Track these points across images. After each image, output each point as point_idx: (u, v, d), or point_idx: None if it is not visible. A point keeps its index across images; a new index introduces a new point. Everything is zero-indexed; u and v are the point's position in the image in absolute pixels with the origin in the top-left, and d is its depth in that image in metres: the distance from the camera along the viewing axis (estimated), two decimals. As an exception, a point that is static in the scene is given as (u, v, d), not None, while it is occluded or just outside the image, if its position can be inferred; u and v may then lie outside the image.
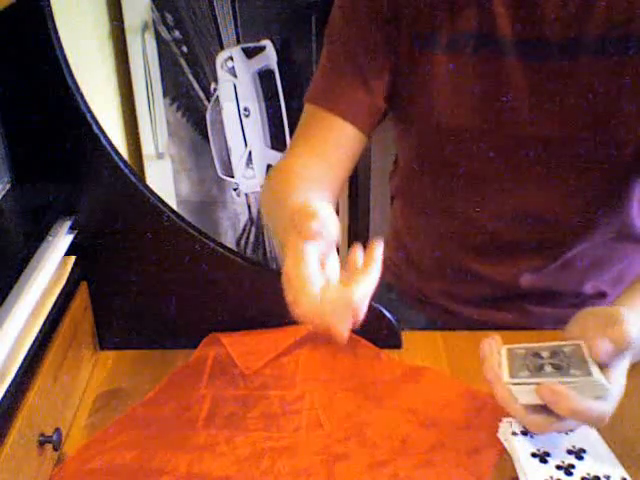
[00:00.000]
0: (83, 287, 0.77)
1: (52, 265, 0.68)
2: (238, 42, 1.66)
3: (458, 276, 0.93)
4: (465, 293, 0.94)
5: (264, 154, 1.76)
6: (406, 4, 0.80)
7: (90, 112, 0.70)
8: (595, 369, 0.60)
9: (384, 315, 0.78)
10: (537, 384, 0.60)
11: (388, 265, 1.01)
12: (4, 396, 0.56)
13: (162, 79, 1.69)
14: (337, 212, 0.66)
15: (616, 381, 0.61)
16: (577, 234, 0.87)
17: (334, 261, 0.60)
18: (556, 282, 0.91)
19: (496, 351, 0.66)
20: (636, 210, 0.87)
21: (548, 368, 0.62)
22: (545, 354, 0.64)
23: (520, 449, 0.63)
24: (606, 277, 0.92)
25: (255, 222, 1.86)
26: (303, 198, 0.74)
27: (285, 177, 0.84)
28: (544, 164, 0.82)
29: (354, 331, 0.59)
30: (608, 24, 0.75)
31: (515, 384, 0.61)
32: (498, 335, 0.68)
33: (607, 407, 0.59)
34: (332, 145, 0.86)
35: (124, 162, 0.73)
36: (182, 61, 1.67)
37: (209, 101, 1.71)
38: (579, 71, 0.77)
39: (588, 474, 0.61)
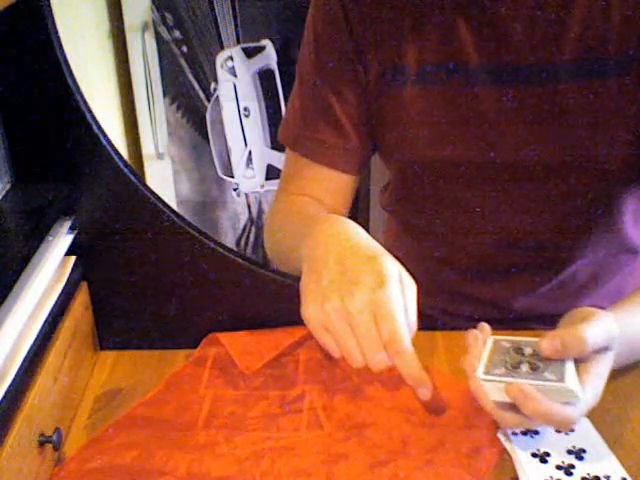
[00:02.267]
0: (83, 287, 0.77)
1: (52, 265, 0.68)
2: (238, 42, 1.66)
3: (450, 296, 0.92)
4: (457, 311, 0.92)
5: (264, 154, 1.76)
6: (369, 38, 0.79)
7: (90, 112, 0.70)
8: (570, 373, 0.59)
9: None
10: (508, 382, 0.60)
11: None
12: (4, 396, 0.56)
13: (162, 79, 1.69)
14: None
15: (591, 385, 0.60)
16: (571, 254, 0.85)
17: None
18: (552, 302, 0.89)
19: (481, 341, 0.66)
20: (630, 221, 0.85)
21: (524, 367, 0.62)
22: (527, 351, 0.64)
23: (520, 449, 0.63)
24: (604, 292, 0.90)
25: (255, 222, 1.86)
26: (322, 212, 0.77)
27: (290, 208, 0.84)
28: (529, 190, 0.80)
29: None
30: (583, 47, 0.73)
31: (487, 380, 0.61)
32: (488, 325, 0.68)
33: (574, 412, 0.59)
34: (323, 191, 0.86)
35: (124, 162, 0.72)
36: (182, 61, 1.67)
37: (209, 101, 1.71)
38: (556, 95, 0.75)
39: (588, 474, 0.61)
